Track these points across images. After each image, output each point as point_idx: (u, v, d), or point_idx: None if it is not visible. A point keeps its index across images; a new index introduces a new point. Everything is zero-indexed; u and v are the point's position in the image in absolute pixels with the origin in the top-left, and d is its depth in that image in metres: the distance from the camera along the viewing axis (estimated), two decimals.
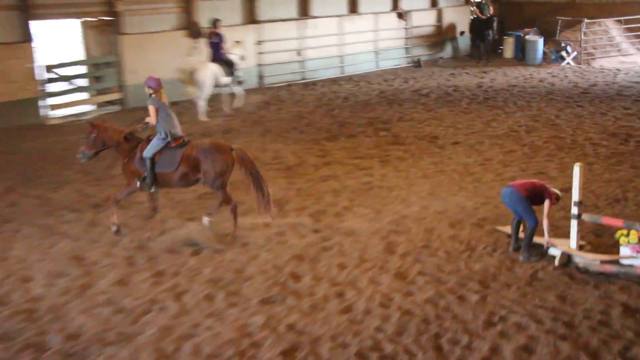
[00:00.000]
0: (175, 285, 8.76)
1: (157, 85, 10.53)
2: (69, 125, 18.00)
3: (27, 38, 17.84)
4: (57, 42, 21.76)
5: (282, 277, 8.91)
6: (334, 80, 24.19)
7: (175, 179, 10.64)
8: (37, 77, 17.90)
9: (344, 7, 25.49)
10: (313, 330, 7.63)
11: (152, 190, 10.76)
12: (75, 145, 12.16)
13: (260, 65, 22.42)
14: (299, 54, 23.55)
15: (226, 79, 18.75)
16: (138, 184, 10.60)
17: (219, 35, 18.80)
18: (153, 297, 8.49)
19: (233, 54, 18.82)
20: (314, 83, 23.34)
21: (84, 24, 19.62)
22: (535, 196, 9.42)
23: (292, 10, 23.67)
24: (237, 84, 19.22)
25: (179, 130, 10.68)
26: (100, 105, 19.80)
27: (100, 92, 19.57)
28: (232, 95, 19.30)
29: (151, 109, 10.50)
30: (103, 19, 19.48)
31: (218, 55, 18.70)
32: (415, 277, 8.85)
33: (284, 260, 9.44)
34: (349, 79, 24.42)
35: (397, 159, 14.18)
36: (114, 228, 10.72)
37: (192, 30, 20.71)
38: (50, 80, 18.31)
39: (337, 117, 18.37)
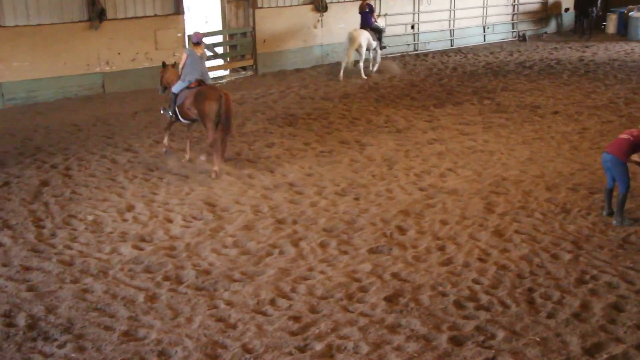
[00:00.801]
0: (293, 232, 8.83)
1: (196, 39, 11.49)
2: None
3: (178, 11, 17.75)
4: (203, 15, 22.52)
5: (389, 230, 8.85)
6: (444, 52, 23.68)
7: (186, 113, 11.41)
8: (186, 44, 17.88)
9: None
10: (415, 279, 7.57)
11: (178, 120, 11.57)
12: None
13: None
14: (412, 27, 23.22)
15: (375, 43, 19.54)
16: (170, 113, 11.65)
17: (370, 6, 19.58)
18: (274, 242, 8.58)
19: (378, 24, 19.98)
20: (426, 54, 22.88)
21: None
22: (636, 147, 8.92)
23: None
24: (381, 48, 20.06)
25: (197, 75, 11.30)
26: (235, 70, 19.90)
27: (236, 59, 19.62)
28: (373, 60, 19.69)
29: (183, 56, 11.53)
30: None
31: (369, 24, 19.54)
32: (512, 235, 8.65)
33: (391, 215, 9.37)
34: (458, 51, 23.83)
35: (499, 126, 13.77)
36: (163, 150, 11.87)
37: (317, 5, 20.54)
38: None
39: (445, 86, 17.78)
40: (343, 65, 19.26)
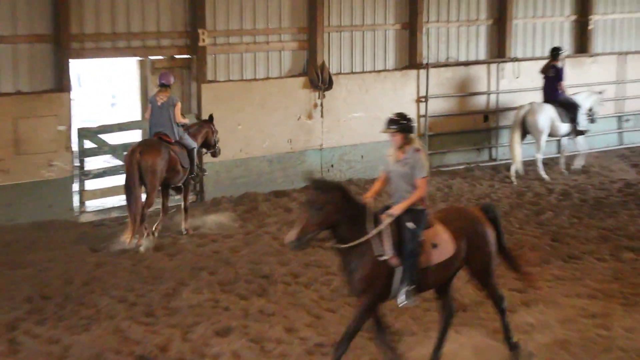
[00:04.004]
0: None
1: (161, 81, 15.67)
2: (108, 225, 17.65)
3: (62, 86, 17.64)
4: (107, 93, 22.57)
5: None
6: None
7: None
8: (72, 144, 17.65)
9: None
10: None
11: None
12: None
13: None
14: (486, 118, 23.50)
15: (564, 127, 21.07)
16: None
17: (556, 69, 21.18)
18: None
19: (581, 95, 21.48)
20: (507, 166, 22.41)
21: (144, 64, 19.15)
22: None
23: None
24: (578, 134, 21.24)
25: (156, 128, 15.82)
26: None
27: None
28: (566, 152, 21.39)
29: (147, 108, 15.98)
30: (175, 59, 19.10)
31: (555, 96, 21.01)
32: None
33: None
34: (572, 161, 22.45)
35: None
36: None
37: (314, 77, 20.29)
38: (85, 153, 18.11)
39: (548, 225, 17.59)
40: (513, 166, 20.82)
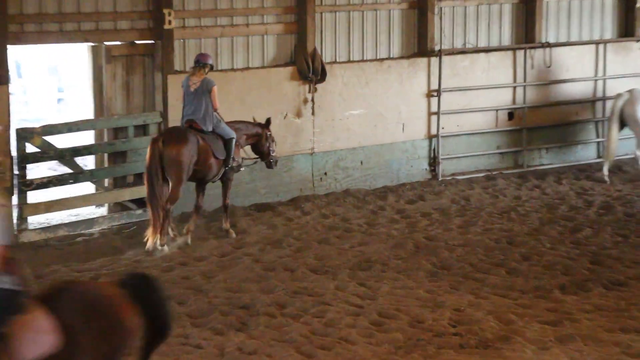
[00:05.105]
0: None
1: (197, 60, 16.83)
2: (55, 246, 17.58)
3: None
4: (53, 87, 22.32)
5: None
6: (581, 169, 23.18)
7: None
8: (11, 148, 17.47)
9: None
10: None
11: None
12: None
13: None
14: (510, 115, 23.78)
15: None
16: None
17: None
18: None
19: None
20: (542, 174, 23.26)
21: (98, 51, 19.09)
22: None
23: None
24: None
25: (188, 115, 16.90)
26: (123, 207, 19.40)
27: (124, 184, 19.41)
28: None
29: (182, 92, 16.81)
30: (135, 45, 19.24)
31: None
32: None
33: None
34: (617, 168, 23.38)
35: None
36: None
37: (304, 67, 20.42)
38: (26, 159, 18.02)
39: (586, 245, 17.53)
40: (606, 165, 21.40)
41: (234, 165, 17.17)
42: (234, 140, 16.73)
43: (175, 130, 16.22)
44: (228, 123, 17.19)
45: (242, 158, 17.85)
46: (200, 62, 16.49)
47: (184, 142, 15.90)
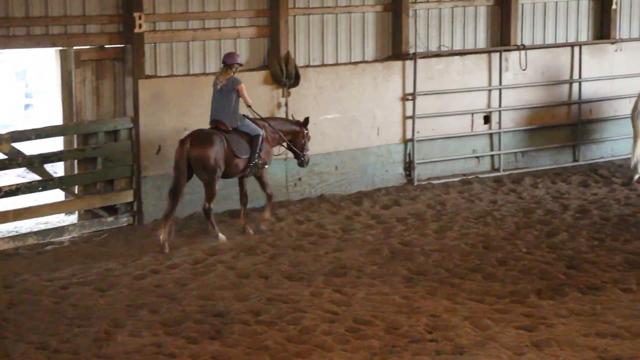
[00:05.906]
0: None
1: (225, 60, 17.59)
2: (24, 255, 17.55)
3: None
4: (19, 91, 22.30)
5: None
6: (557, 173, 23.46)
7: None
8: None
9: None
10: None
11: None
12: None
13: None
14: (486, 119, 24.01)
15: None
16: None
17: None
18: None
19: None
20: (518, 179, 23.33)
21: (67, 56, 19.20)
22: None
23: None
24: None
25: (213, 115, 17.61)
26: (94, 214, 19.43)
27: (94, 191, 19.37)
28: None
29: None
30: (105, 49, 19.14)
31: None
32: None
33: None
34: (592, 171, 23.50)
35: None
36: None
37: (277, 71, 20.45)
38: None
39: (563, 249, 17.67)
40: (633, 161, 21.81)
41: (258, 162, 17.79)
42: (260, 137, 17.35)
43: (202, 133, 16.90)
44: (267, 119, 18.02)
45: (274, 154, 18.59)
46: (227, 64, 17.15)
47: (210, 145, 16.69)
